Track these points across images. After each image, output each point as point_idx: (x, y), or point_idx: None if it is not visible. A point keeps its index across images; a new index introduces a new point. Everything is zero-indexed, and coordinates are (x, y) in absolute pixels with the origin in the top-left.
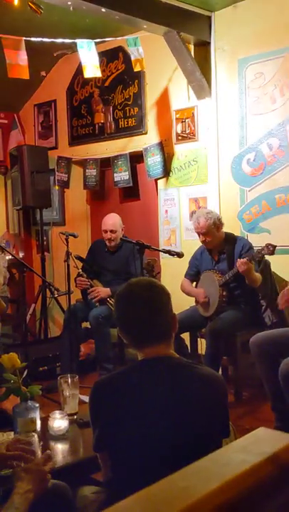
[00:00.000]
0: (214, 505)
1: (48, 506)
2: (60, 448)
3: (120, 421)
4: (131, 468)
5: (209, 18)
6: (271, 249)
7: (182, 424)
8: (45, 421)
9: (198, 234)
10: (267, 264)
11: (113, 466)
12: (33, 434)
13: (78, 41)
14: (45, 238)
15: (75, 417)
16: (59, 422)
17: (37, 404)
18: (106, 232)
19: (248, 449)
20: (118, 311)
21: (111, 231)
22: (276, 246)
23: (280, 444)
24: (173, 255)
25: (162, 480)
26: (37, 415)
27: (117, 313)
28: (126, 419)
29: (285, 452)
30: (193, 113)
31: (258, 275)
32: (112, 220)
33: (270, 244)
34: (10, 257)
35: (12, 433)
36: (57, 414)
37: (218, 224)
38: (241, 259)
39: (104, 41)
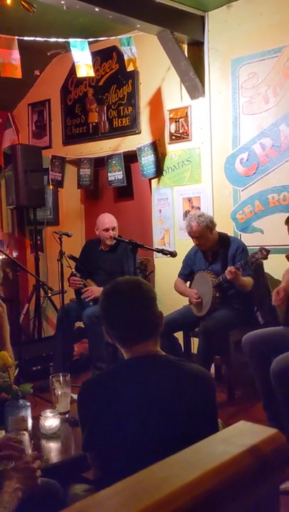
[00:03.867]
0: (193, 495)
1: (38, 504)
2: (51, 446)
3: (109, 420)
4: (120, 466)
5: (203, 18)
6: (265, 253)
7: (171, 421)
8: (36, 420)
9: (192, 237)
10: (259, 264)
11: (102, 465)
12: (24, 432)
13: (71, 40)
14: (38, 238)
15: (67, 415)
16: (51, 421)
17: (28, 403)
18: (108, 230)
19: (229, 441)
20: (106, 309)
21: (113, 228)
22: (270, 251)
23: (261, 437)
24: (166, 254)
25: (142, 470)
26: (28, 413)
27: (104, 311)
28: (114, 419)
29: (265, 444)
30: (186, 113)
31: (246, 280)
32: (110, 218)
33: (264, 249)
34: (3, 256)
35: (3, 431)
36: (48, 412)
37: (210, 226)
38: (229, 268)
39: (98, 41)
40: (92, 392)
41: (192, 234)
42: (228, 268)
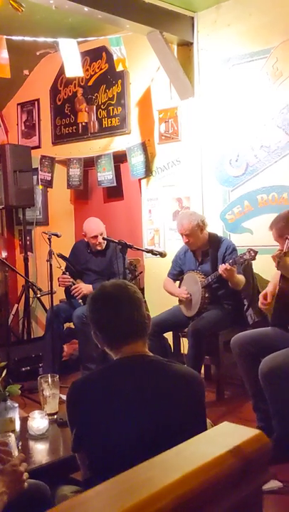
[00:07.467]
0: (175, 496)
1: (26, 506)
2: (39, 448)
3: (97, 420)
4: (108, 467)
5: (192, 18)
6: (253, 254)
7: (159, 421)
8: (25, 421)
9: (182, 235)
10: (249, 264)
11: (91, 466)
12: (10, 434)
13: (60, 40)
14: (28, 238)
15: (55, 416)
16: (39, 422)
17: (16, 404)
18: (96, 237)
19: (212, 442)
20: (95, 312)
21: (101, 234)
22: (257, 252)
23: (244, 437)
24: (156, 255)
25: (127, 471)
26: (16, 415)
27: (93, 314)
28: (103, 419)
29: (248, 445)
30: (176, 113)
31: (240, 277)
32: (96, 224)
33: (251, 250)
34: None
35: None
36: (36, 413)
37: (201, 226)
38: (223, 266)
39: (87, 40)
40: (82, 393)
41: (182, 232)
42: (222, 266)
